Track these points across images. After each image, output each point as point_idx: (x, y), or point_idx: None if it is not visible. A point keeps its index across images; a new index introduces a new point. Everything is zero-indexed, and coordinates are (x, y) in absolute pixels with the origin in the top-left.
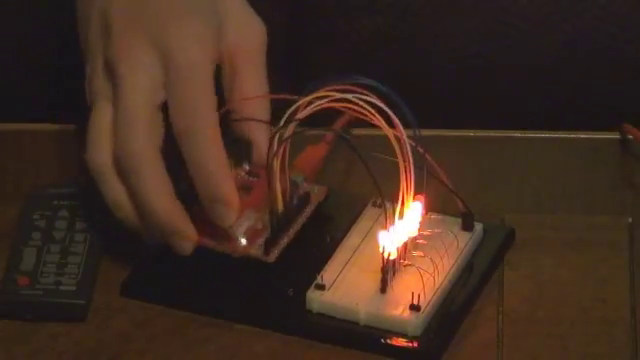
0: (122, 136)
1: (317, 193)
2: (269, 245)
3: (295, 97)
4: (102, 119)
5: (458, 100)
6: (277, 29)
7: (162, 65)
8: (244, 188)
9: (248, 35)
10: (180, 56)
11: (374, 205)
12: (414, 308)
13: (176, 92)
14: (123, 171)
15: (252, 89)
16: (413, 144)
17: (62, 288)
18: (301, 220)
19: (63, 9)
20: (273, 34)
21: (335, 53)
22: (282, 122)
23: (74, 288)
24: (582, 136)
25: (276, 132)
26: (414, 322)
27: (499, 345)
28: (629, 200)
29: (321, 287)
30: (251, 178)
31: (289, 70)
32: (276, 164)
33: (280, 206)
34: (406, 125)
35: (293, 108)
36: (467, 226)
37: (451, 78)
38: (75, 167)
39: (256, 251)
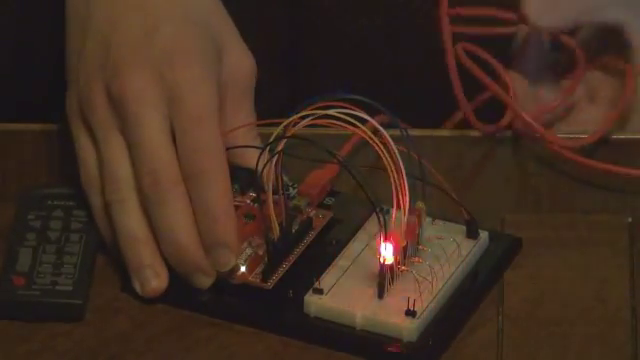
0: (148, 167)
1: (321, 218)
2: (267, 273)
3: (281, 120)
4: (117, 151)
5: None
6: (277, 29)
7: (169, 103)
8: (248, 215)
9: (240, 70)
10: (187, 96)
11: (381, 212)
12: (410, 314)
13: (185, 134)
14: (149, 202)
15: (241, 121)
16: (406, 151)
17: (58, 288)
18: (302, 246)
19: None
20: (273, 34)
21: (335, 53)
22: (268, 144)
23: (70, 288)
24: (582, 136)
25: (262, 152)
26: (409, 328)
27: (499, 345)
28: (629, 200)
29: (319, 291)
30: (256, 205)
31: (289, 70)
32: (268, 186)
33: (276, 232)
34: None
35: (279, 129)
36: (471, 234)
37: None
38: (68, 167)
39: (254, 278)
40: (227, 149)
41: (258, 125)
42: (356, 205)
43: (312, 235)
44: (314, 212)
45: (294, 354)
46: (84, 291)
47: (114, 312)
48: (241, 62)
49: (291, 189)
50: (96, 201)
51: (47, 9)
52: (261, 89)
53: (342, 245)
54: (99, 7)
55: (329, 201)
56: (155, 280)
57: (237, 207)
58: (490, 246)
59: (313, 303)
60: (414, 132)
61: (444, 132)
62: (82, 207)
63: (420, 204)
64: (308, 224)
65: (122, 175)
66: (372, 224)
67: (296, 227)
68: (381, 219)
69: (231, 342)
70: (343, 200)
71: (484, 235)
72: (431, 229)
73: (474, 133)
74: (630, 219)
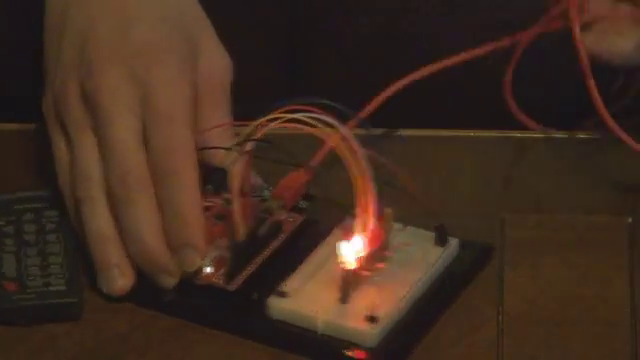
0: (117, 167)
1: (292, 221)
2: (230, 274)
3: (252, 123)
4: (89, 150)
5: (458, 99)
6: (277, 29)
7: (142, 103)
8: (219, 216)
9: (217, 69)
10: (160, 96)
11: (352, 216)
12: (371, 319)
13: (155, 133)
14: (116, 202)
15: (217, 121)
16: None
17: (52, 289)
18: (271, 249)
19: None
20: (273, 34)
21: (335, 53)
22: (233, 144)
23: (64, 287)
24: (582, 136)
25: (227, 152)
26: (369, 333)
27: (499, 345)
28: (629, 200)
29: (282, 294)
30: (229, 206)
31: (289, 70)
32: (235, 187)
33: (241, 233)
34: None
35: (248, 130)
36: (441, 241)
37: (451, 77)
38: (41, 168)
39: (218, 279)
40: (200, 149)
41: (236, 125)
42: (330, 210)
43: (281, 238)
44: (286, 215)
45: (293, 356)
46: (78, 289)
47: (113, 312)
48: (217, 62)
49: (266, 191)
50: (71, 201)
51: (26, 8)
52: (260, 89)
53: (311, 249)
54: (76, 7)
55: (303, 204)
56: (121, 279)
57: (209, 208)
58: (460, 253)
59: (276, 306)
60: (414, 132)
61: (444, 132)
62: (52, 208)
63: (388, 210)
64: (277, 227)
65: (92, 174)
66: (341, 229)
67: (265, 229)
68: (347, 224)
69: (230, 342)
70: (317, 204)
71: (454, 242)
72: (401, 235)
73: (474, 133)
74: (630, 219)
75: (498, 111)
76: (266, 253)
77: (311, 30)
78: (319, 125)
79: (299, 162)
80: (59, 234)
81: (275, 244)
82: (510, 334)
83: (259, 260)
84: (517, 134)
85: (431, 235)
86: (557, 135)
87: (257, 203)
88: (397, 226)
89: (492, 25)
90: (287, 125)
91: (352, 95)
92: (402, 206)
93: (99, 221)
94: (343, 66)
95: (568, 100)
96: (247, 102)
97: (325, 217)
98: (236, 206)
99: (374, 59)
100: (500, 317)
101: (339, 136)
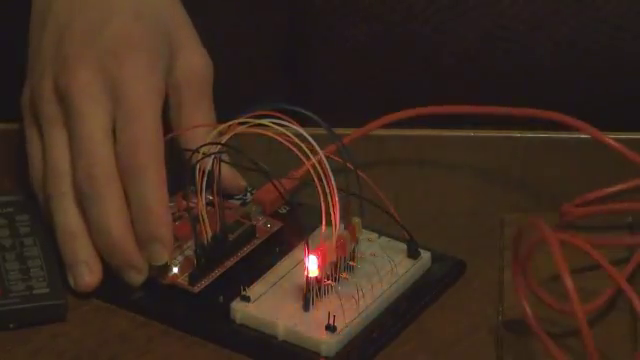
0: (84, 161)
1: (269, 227)
2: (195, 276)
3: (223, 125)
4: (59, 145)
5: (457, 101)
6: (276, 33)
7: (113, 98)
8: (196, 218)
9: (196, 68)
10: (129, 91)
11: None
12: (330, 329)
13: (124, 128)
14: (84, 197)
15: (198, 121)
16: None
17: (36, 292)
18: (242, 253)
19: None
20: (272, 38)
21: (334, 56)
22: (199, 146)
23: (47, 290)
24: (582, 136)
25: (192, 154)
26: (327, 342)
27: (499, 345)
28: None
29: (246, 298)
30: (209, 208)
31: (288, 73)
32: (198, 187)
33: (206, 234)
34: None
35: (214, 132)
36: (411, 253)
37: (450, 80)
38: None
39: (183, 280)
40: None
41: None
42: (311, 217)
43: (254, 243)
44: (264, 220)
45: None
46: (61, 290)
47: (114, 312)
48: (196, 61)
49: (249, 194)
50: (41, 197)
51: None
52: (260, 93)
53: (283, 255)
54: (58, 3)
55: (283, 210)
56: (88, 276)
57: (191, 208)
58: (432, 267)
59: (239, 310)
60: (415, 132)
61: (444, 132)
62: (23, 212)
63: (355, 219)
64: (250, 232)
65: (62, 170)
66: (315, 237)
67: (237, 234)
68: (318, 233)
69: None
70: (299, 211)
71: (426, 255)
72: (373, 245)
73: (474, 133)
74: (630, 219)
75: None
76: (235, 258)
77: (311, 33)
78: (285, 132)
79: (265, 169)
80: (34, 237)
81: (247, 249)
82: (510, 335)
83: (228, 264)
84: (517, 134)
85: (404, 246)
86: (557, 135)
87: (236, 207)
88: (371, 236)
89: (492, 32)
90: (253, 130)
91: (352, 96)
92: (380, 215)
93: (67, 217)
94: (342, 71)
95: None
96: (247, 102)
97: (310, 225)
98: (200, 206)
99: (373, 62)
100: (500, 317)
101: (306, 145)
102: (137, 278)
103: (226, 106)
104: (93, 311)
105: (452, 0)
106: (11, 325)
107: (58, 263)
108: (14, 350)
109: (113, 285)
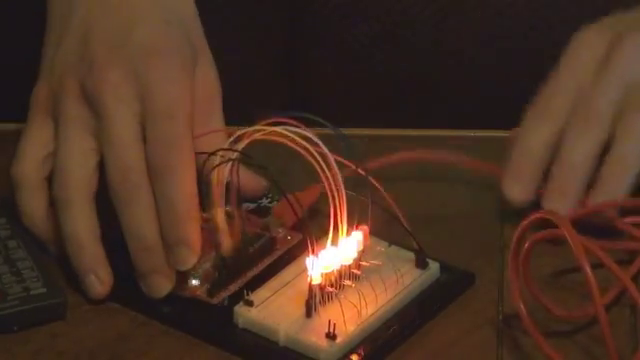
0: (118, 165)
1: (289, 240)
2: (215, 288)
3: (238, 132)
4: (74, 146)
5: (457, 102)
6: (277, 35)
7: (142, 101)
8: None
9: (209, 79)
10: (161, 93)
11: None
12: (330, 336)
13: (154, 130)
14: (116, 201)
15: (210, 128)
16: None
17: (33, 293)
18: (261, 265)
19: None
20: (273, 40)
21: (334, 57)
22: (211, 152)
23: (44, 290)
24: None
25: (207, 159)
26: (327, 350)
27: (499, 345)
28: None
29: (249, 303)
30: (228, 219)
31: (288, 74)
32: (217, 196)
33: (226, 246)
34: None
35: (232, 139)
36: (419, 264)
37: (449, 81)
38: None
39: (202, 292)
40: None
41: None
42: (326, 223)
43: (274, 255)
44: (284, 233)
45: None
46: (59, 289)
47: (114, 312)
48: (210, 72)
49: (264, 199)
50: (27, 195)
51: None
52: (260, 95)
53: (290, 260)
54: (81, 5)
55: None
56: (100, 286)
57: (208, 220)
58: (440, 278)
59: (242, 314)
60: (414, 132)
61: (445, 132)
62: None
63: (364, 227)
64: (270, 244)
65: (76, 175)
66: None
67: (258, 245)
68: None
69: None
70: (320, 223)
71: (434, 266)
72: (382, 254)
73: (474, 133)
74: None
75: (499, 111)
76: (255, 270)
77: (311, 37)
78: (296, 138)
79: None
80: (17, 240)
81: (267, 261)
82: (510, 334)
83: (248, 277)
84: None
85: (412, 256)
86: None
87: (257, 220)
88: (381, 244)
89: (491, 33)
90: (267, 137)
91: (352, 96)
92: (392, 224)
93: (75, 226)
94: (342, 72)
95: None
96: (247, 105)
97: (320, 231)
98: (220, 217)
99: (372, 63)
100: (500, 317)
101: (317, 150)
102: (166, 285)
103: (226, 106)
104: (93, 311)
105: (452, 0)
106: (15, 328)
107: (50, 263)
108: (14, 350)
109: (131, 289)
